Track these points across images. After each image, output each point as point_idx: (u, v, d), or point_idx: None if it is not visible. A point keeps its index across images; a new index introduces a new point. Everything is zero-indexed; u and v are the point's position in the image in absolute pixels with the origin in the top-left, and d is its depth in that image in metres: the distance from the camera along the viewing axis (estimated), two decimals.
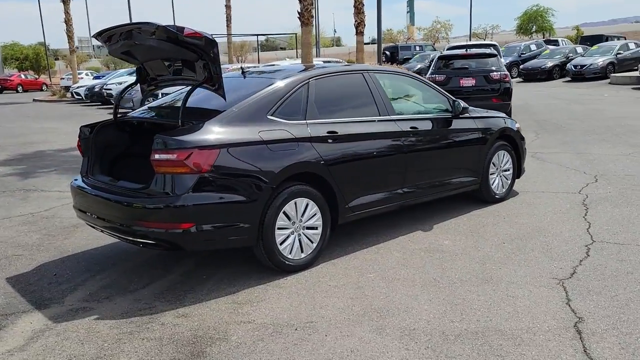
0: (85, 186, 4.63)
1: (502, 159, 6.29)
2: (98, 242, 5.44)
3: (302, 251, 4.48)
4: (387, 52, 35.23)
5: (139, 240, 4.12)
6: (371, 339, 3.36)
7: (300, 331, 3.50)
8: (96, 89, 24.78)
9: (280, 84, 4.60)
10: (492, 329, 3.42)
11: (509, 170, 6.40)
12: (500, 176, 6.29)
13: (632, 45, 26.77)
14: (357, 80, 5.15)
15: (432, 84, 5.99)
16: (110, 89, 22.65)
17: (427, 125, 5.47)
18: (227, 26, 37.07)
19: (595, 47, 27.51)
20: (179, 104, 5.00)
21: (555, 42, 34.15)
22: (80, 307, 3.99)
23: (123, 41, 4.37)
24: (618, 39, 32.25)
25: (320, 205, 4.54)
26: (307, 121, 4.58)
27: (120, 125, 4.97)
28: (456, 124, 5.74)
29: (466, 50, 13.43)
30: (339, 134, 4.68)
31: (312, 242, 4.55)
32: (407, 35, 61.98)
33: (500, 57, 14.48)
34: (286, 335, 3.46)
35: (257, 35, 48.99)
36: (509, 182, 6.44)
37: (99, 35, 4.57)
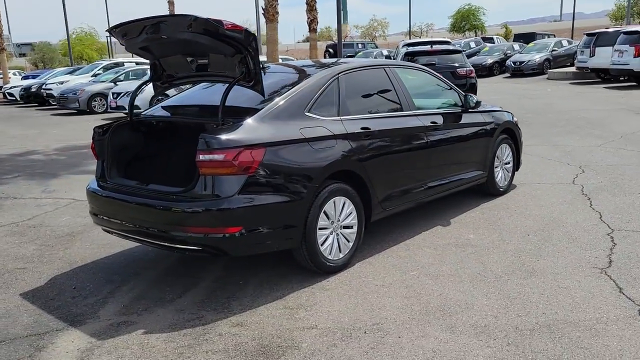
0: (107, 190, 4.31)
1: (505, 152, 6.39)
2: (104, 250, 5.10)
3: (340, 251, 4.36)
4: (330, 50, 35.33)
5: (178, 246, 3.88)
6: (448, 338, 3.29)
7: (370, 334, 3.39)
8: (33, 89, 23.42)
9: (313, 79, 4.45)
10: (562, 322, 3.43)
11: (509, 163, 6.51)
12: (503, 169, 6.38)
13: (564, 43, 28.07)
14: (380, 75, 5.07)
15: (443, 77, 5.99)
16: (50, 89, 21.45)
17: (445, 120, 5.46)
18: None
19: (531, 44, 28.65)
20: (205, 101, 4.79)
21: (490, 40, 35.33)
22: (120, 321, 3.71)
23: (148, 35, 4.08)
24: (548, 37, 33.76)
25: (356, 203, 4.42)
26: (342, 117, 4.45)
27: (135, 126, 4.66)
28: (467, 118, 5.77)
29: (431, 47, 13.63)
30: (371, 130, 4.58)
31: (348, 242, 4.43)
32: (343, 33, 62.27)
33: None
34: (358, 339, 3.33)
35: None
36: (510, 174, 6.54)
37: (115, 29, 4.26)
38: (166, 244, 3.94)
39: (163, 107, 4.82)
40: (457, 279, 4.14)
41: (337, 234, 4.32)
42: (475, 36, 44.39)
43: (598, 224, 5.18)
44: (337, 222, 4.31)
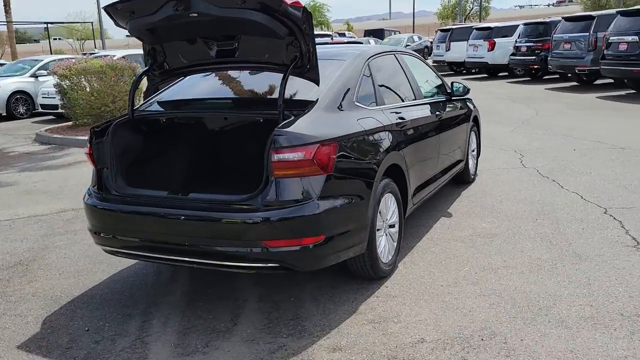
0: (117, 204, 3.50)
1: (473, 140, 6.43)
2: (85, 279, 4.23)
3: (389, 253, 4.00)
4: None
5: (248, 264, 3.24)
6: (571, 335, 3.12)
7: (489, 340, 3.10)
8: None
9: (350, 64, 4.01)
10: None
11: (474, 150, 6.57)
12: (471, 156, 6.42)
13: (415, 38, 29.84)
14: (394, 62, 4.76)
15: (431, 65, 5.83)
16: None
17: (444, 108, 5.32)
18: (6, 12, 31.42)
19: (386, 39, 30.03)
20: (226, 93, 4.10)
21: (343, 36, 36.36)
22: None
23: (173, 12, 3.34)
24: (395, 33, 35.69)
25: (398, 199, 4.09)
26: (381, 107, 4.08)
27: (137, 125, 3.85)
28: (453, 106, 5.68)
29: (331, 39, 13.52)
30: (405, 120, 4.26)
31: (394, 242, 4.08)
32: None
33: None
34: (484, 348, 3.03)
35: (47, 23, 42.89)
36: (476, 161, 6.62)
37: (119, 4, 3.44)
38: (229, 262, 3.28)
39: (162, 103, 4.05)
40: (515, 270, 3.99)
41: (386, 234, 3.96)
42: (322, 31, 45.38)
43: (587, 204, 5.38)
44: (386, 221, 3.94)
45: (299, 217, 3.13)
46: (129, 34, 3.79)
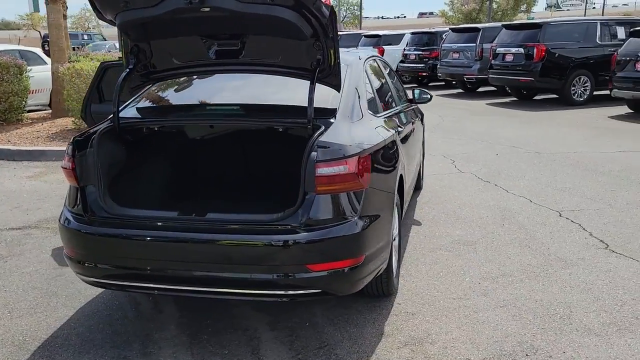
0: (110, 227, 2.98)
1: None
2: (39, 318, 3.59)
3: (395, 267, 3.82)
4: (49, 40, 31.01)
5: (286, 292, 2.89)
6: (608, 342, 3.15)
7: (534, 356, 3.04)
8: None
9: (356, 69, 3.77)
10: None
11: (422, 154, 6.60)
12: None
13: None
14: (376, 66, 4.57)
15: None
16: None
17: (414, 114, 5.25)
18: None
19: None
20: (229, 99, 3.67)
21: None
22: None
23: (182, 5, 2.89)
24: None
25: (398, 210, 3.93)
26: (382, 114, 3.90)
27: (123, 134, 3.32)
28: (413, 111, 5.64)
29: None
30: (401, 127, 4.12)
31: (397, 255, 3.92)
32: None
33: None
34: None
35: None
36: (422, 167, 6.65)
37: None
38: (261, 291, 2.90)
39: (148, 109, 3.53)
40: (514, 278, 4.00)
41: (393, 247, 3.78)
42: None
43: (539, 208, 5.59)
44: (394, 233, 3.77)
45: (342, 237, 2.85)
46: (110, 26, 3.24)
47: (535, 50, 13.11)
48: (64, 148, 8.56)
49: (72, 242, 3.10)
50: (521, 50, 13.55)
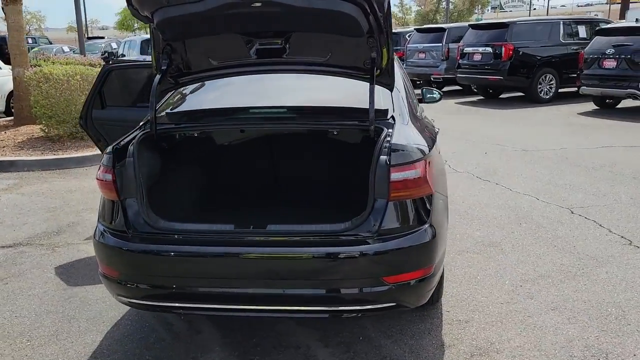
0: (171, 244, 2.71)
1: None
2: (64, 346, 3.25)
3: None
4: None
5: (352, 308, 2.69)
6: None
7: (613, 358, 2.95)
8: None
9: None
10: None
11: None
12: None
13: None
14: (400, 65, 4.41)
15: None
16: None
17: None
18: None
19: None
20: (265, 100, 3.42)
21: None
22: None
23: (231, 0, 2.66)
24: None
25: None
26: (419, 115, 3.74)
27: (161, 141, 3.04)
28: None
29: None
30: (435, 129, 3.97)
31: None
32: None
33: None
34: None
35: None
36: None
37: None
38: (332, 307, 2.69)
39: (183, 114, 3.26)
40: (553, 279, 3.93)
41: None
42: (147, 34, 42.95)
43: (549, 206, 5.58)
44: None
45: (416, 246, 2.68)
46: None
47: (503, 49, 13.29)
48: (37, 157, 8.10)
49: (112, 260, 2.81)
50: (489, 49, 13.72)
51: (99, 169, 2.97)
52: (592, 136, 9.13)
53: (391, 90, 3.13)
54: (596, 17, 19.02)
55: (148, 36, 15.75)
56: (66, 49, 27.89)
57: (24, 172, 7.69)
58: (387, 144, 2.69)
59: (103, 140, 4.62)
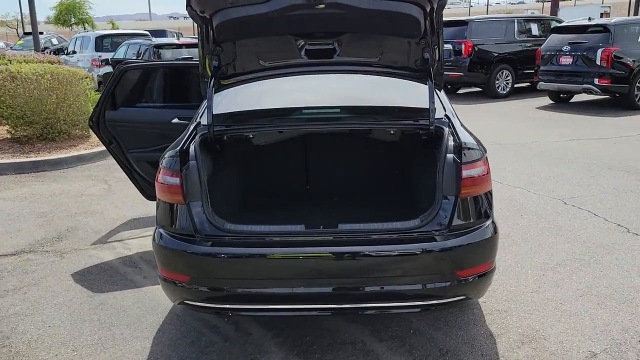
0: (241, 246, 2.71)
1: None
2: (117, 353, 3.17)
3: None
4: None
5: (426, 303, 2.77)
6: None
7: None
8: None
9: None
10: None
11: None
12: None
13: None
14: None
15: None
16: None
17: None
18: None
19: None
20: (317, 100, 3.42)
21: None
22: None
23: (298, 1, 2.68)
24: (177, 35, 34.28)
25: None
26: None
27: (216, 143, 3.02)
28: None
29: (178, 39, 12.40)
30: None
31: None
32: None
33: None
34: None
35: None
36: None
37: None
38: (407, 303, 2.75)
39: (231, 116, 3.24)
40: (579, 264, 4.14)
41: None
42: (85, 30, 41.47)
43: (541, 197, 5.83)
44: None
45: (483, 241, 2.79)
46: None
47: (463, 46, 13.68)
48: (9, 160, 7.73)
49: (179, 265, 2.76)
50: (449, 46, 14.07)
51: (159, 172, 2.90)
52: (556, 130, 9.55)
53: (440, 89, 3.22)
54: (544, 15, 19.81)
55: (102, 32, 15.33)
56: (1, 44, 26.54)
57: None
58: (455, 142, 2.77)
59: (115, 143, 4.50)
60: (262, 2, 2.71)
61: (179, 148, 2.87)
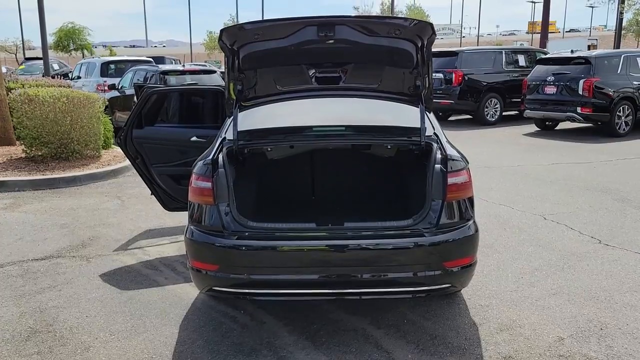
0: (265, 240, 3.22)
1: None
2: (146, 341, 3.64)
3: None
4: None
5: (420, 289, 3.28)
6: None
7: (611, 327, 3.66)
8: None
9: None
10: None
11: None
12: None
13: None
14: None
15: None
16: None
17: None
18: None
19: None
20: (322, 120, 3.96)
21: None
22: None
23: (313, 37, 3.25)
24: (175, 62, 35.02)
25: None
26: None
27: (239, 154, 3.55)
28: None
29: (183, 66, 13.02)
30: None
31: None
32: None
33: None
34: (610, 337, 3.58)
35: None
36: None
37: (247, 24, 3.22)
38: (403, 289, 3.27)
39: (250, 132, 3.79)
40: (554, 269, 4.64)
41: None
42: (84, 57, 42.25)
43: (524, 214, 6.38)
44: None
45: (466, 237, 3.31)
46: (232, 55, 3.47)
47: (454, 75, 14.38)
48: (27, 178, 8.21)
49: (209, 256, 3.26)
50: (440, 75, 14.76)
51: (192, 177, 3.42)
52: (541, 154, 10.15)
53: (430, 112, 3.78)
54: (531, 47, 20.65)
55: (107, 58, 15.93)
56: (4, 69, 27.08)
57: (15, 192, 7.82)
58: (442, 155, 3.32)
59: (140, 158, 5.02)
60: (282, 37, 3.26)
61: (210, 157, 3.39)
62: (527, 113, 13.24)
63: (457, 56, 14.70)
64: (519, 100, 13.77)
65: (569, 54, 13.13)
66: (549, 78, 12.60)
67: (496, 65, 14.91)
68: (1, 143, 10.05)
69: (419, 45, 3.39)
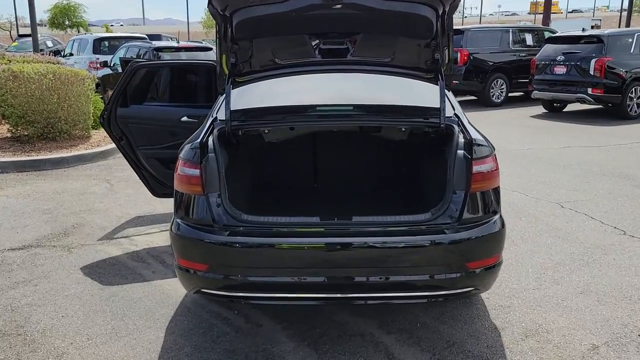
0: (261, 236, 2.79)
1: None
2: (131, 344, 3.23)
3: None
4: None
5: (437, 293, 2.86)
6: None
7: None
8: None
9: None
10: None
11: None
12: None
13: None
14: None
15: None
16: None
17: None
18: None
19: None
20: (328, 98, 3.51)
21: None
22: None
23: (314, 2, 2.79)
24: (172, 39, 34.38)
25: None
26: None
27: (232, 137, 3.11)
28: None
29: (178, 43, 12.52)
30: None
31: None
32: None
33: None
34: None
35: None
36: None
37: None
38: (416, 293, 2.86)
39: (245, 112, 3.33)
40: (578, 264, 4.24)
41: None
42: (79, 33, 41.43)
43: (539, 201, 5.96)
44: None
45: (492, 235, 2.90)
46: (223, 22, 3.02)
47: (459, 55, 13.85)
48: (10, 159, 7.76)
49: (198, 254, 2.84)
50: None
51: (177, 164, 2.99)
52: (551, 137, 9.71)
53: (449, 89, 3.33)
54: (539, 26, 20.09)
55: (100, 34, 15.39)
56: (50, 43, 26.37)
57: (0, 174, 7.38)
58: (465, 139, 2.88)
59: (125, 139, 4.57)
60: (280, 1, 2.81)
61: (198, 140, 2.95)
62: (535, 94, 12.76)
63: (462, 34, 14.15)
64: (526, 80, 13.29)
65: (580, 33, 12.62)
66: (559, 57, 12.10)
67: (503, 44, 14.39)
68: None
69: (440, 11, 2.93)
